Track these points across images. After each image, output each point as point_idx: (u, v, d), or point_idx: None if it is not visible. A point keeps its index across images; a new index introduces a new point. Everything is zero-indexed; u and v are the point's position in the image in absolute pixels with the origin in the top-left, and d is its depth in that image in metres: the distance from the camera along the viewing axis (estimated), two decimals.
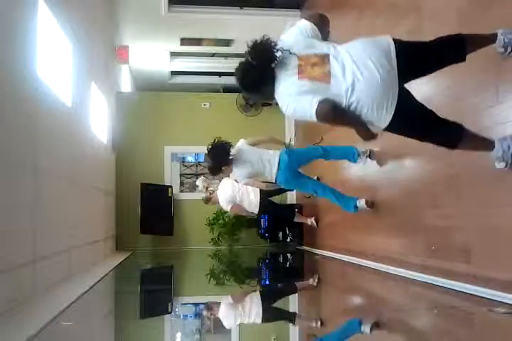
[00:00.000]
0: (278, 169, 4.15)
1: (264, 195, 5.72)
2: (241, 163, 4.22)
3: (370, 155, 4.25)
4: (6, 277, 2.49)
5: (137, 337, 2.80)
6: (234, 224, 7.40)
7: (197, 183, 6.28)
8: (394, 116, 2.19)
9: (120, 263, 5.67)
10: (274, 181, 4.26)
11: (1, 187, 2.49)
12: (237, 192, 5.68)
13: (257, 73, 2.32)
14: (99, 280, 4.10)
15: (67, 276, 3.81)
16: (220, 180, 5.80)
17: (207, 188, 6.01)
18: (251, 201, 5.72)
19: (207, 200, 5.97)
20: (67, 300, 3.02)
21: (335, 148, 4.52)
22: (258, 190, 5.62)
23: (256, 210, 5.79)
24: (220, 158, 4.22)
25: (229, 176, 4.58)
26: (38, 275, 3.03)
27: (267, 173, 4.23)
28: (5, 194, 2.54)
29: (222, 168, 4.27)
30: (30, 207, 2.97)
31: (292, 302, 3.69)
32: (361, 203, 4.22)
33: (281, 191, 6.03)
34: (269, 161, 4.20)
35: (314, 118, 2.21)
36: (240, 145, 4.34)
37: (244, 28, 7.75)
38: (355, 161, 4.37)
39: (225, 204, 5.71)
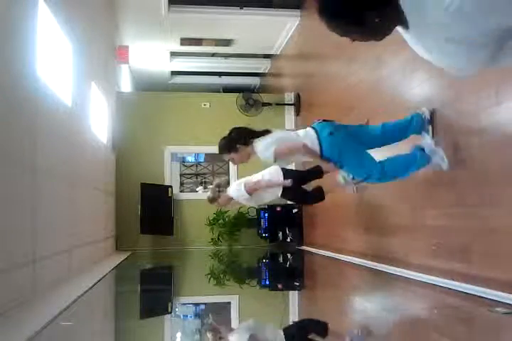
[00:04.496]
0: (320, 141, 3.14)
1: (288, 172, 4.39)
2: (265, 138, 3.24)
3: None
4: (6, 277, 2.49)
5: (137, 337, 2.80)
6: (234, 224, 7.41)
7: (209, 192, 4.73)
8: None
9: (120, 263, 5.67)
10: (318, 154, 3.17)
11: (1, 187, 2.49)
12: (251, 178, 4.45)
13: None
14: (99, 280, 4.10)
15: (67, 276, 3.81)
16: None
17: (217, 186, 4.68)
18: (272, 174, 4.38)
19: (213, 199, 4.56)
20: (67, 300, 3.01)
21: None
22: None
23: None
24: (240, 135, 3.34)
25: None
26: (38, 275, 3.02)
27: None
28: (5, 194, 2.54)
29: (237, 146, 3.31)
30: (30, 207, 2.97)
31: (292, 303, 3.69)
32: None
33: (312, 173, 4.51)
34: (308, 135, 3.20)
35: None
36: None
37: (244, 28, 7.77)
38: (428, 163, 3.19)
39: (236, 190, 4.34)
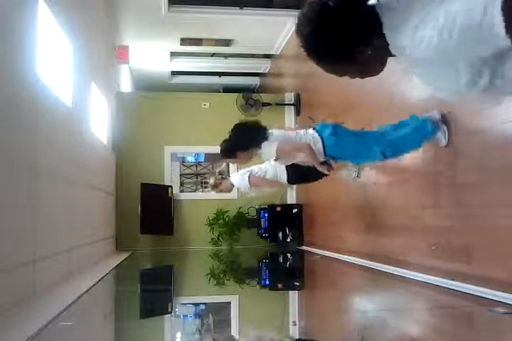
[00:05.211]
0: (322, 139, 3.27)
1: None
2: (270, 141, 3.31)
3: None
4: (6, 277, 2.49)
5: (137, 337, 2.80)
6: (234, 224, 7.40)
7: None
8: None
9: (120, 263, 5.67)
10: (322, 152, 3.29)
11: (1, 187, 2.49)
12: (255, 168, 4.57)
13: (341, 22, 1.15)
14: (99, 280, 4.10)
15: (67, 276, 3.81)
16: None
17: (219, 173, 4.77)
18: (275, 168, 4.46)
19: (215, 185, 4.68)
20: (67, 300, 3.01)
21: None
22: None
23: (284, 177, 4.48)
24: (244, 138, 3.38)
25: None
26: (38, 275, 3.02)
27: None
28: (5, 194, 2.54)
29: (238, 153, 3.43)
30: (30, 207, 2.97)
31: (292, 303, 3.69)
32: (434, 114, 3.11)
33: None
34: (309, 135, 3.34)
35: None
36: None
37: (244, 28, 7.77)
38: (434, 133, 3.15)
39: (239, 179, 4.51)
